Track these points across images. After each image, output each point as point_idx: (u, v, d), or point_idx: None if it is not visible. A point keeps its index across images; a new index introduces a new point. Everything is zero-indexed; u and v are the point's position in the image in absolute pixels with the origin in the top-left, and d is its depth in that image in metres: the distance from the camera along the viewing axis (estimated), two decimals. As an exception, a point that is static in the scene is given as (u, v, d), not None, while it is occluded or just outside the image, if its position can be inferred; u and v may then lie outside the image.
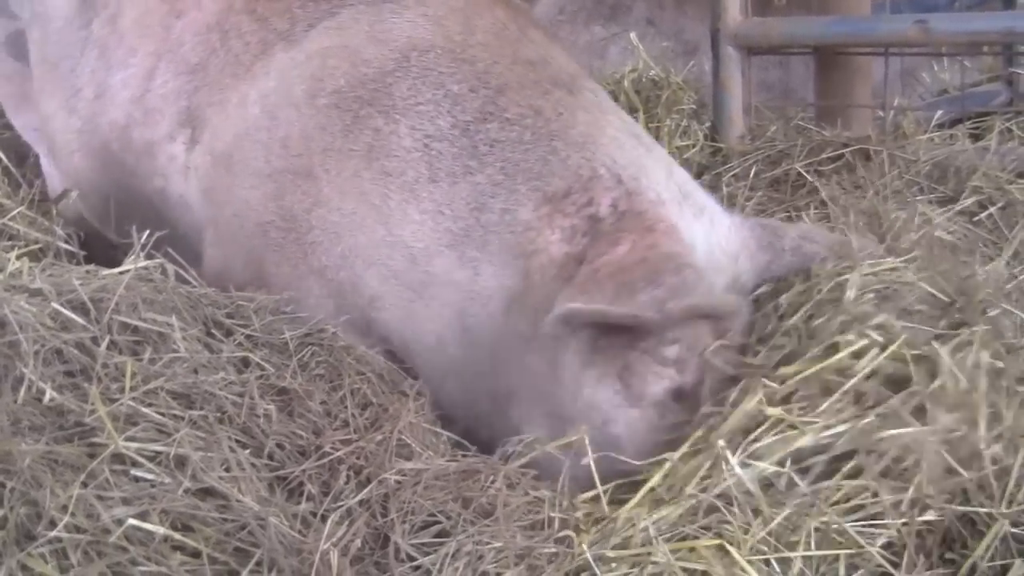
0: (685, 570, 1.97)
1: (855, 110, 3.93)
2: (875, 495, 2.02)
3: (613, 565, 2.01)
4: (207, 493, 2.00)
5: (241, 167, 2.83)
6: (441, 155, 2.56)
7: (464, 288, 2.48)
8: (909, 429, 2.04)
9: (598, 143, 2.50)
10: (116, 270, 2.44)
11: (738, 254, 2.50)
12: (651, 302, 2.22)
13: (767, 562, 1.97)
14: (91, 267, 2.48)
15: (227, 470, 2.04)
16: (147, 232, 2.59)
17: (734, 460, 2.07)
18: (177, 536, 1.91)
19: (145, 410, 2.07)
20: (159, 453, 2.02)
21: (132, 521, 1.87)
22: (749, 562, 1.95)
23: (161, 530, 1.89)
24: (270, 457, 2.14)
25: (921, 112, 4.04)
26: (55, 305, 2.20)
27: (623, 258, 2.30)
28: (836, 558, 1.98)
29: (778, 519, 2.01)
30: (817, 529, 2.00)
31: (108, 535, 1.86)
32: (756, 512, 2.02)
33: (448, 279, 2.50)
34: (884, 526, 2.02)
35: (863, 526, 2.01)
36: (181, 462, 2.02)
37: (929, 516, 2.03)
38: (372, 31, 2.78)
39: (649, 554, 2.01)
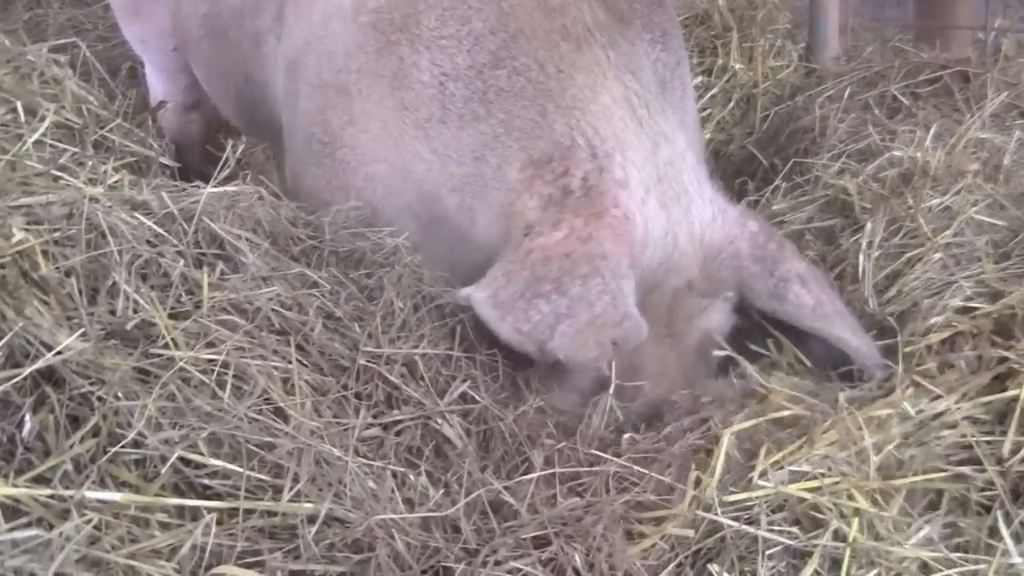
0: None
1: (955, 32, 3.84)
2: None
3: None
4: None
5: (301, 75, 2.81)
6: (454, 96, 2.49)
7: (461, 235, 2.47)
8: None
9: (586, 110, 2.40)
10: (207, 186, 2.48)
11: (721, 249, 2.44)
12: (542, 323, 2.19)
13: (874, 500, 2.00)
14: (183, 183, 2.52)
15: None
16: (234, 144, 2.65)
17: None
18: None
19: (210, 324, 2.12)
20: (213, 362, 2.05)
21: (181, 453, 1.90)
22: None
23: (212, 461, 1.92)
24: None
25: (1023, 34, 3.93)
26: (140, 217, 2.24)
27: (554, 245, 2.26)
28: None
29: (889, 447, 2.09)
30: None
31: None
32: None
33: (449, 223, 2.49)
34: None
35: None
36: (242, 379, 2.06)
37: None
38: None
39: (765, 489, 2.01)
